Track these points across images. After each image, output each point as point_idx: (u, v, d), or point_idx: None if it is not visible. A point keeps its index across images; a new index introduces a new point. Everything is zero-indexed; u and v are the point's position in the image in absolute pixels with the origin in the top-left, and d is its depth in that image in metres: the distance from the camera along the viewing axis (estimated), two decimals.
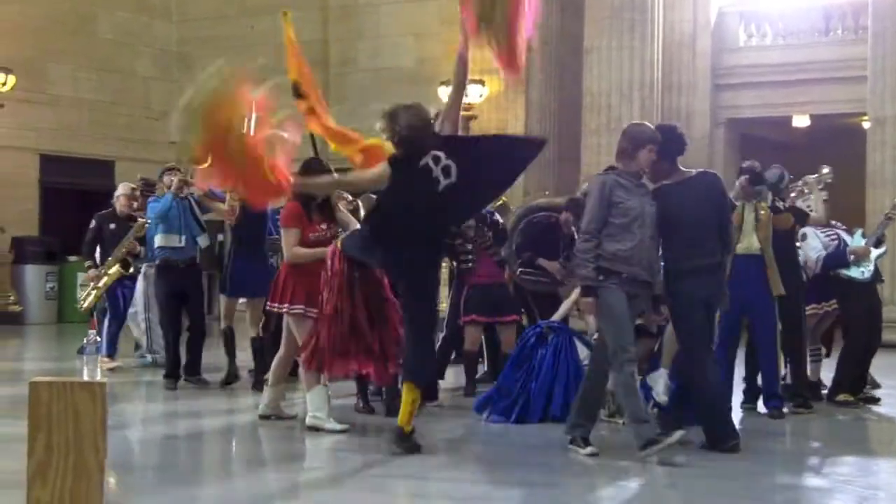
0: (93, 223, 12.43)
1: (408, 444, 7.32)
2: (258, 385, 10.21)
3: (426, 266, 7.55)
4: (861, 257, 10.28)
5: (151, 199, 11.37)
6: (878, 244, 10.52)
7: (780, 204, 9.53)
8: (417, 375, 7.47)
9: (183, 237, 10.85)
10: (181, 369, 10.76)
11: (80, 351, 13.47)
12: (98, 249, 12.59)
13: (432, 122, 7.45)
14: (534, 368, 8.99)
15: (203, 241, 11.08)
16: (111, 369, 11.82)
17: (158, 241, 10.91)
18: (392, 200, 7.42)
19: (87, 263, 12.50)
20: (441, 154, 7.24)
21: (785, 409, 9.37)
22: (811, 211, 10.40)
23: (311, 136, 9.35)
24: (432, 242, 7.63)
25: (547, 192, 12.70)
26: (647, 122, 8.65)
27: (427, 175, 7.23)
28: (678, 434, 7.17)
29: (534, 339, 9.18)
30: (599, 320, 7.50)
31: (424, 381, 7.74)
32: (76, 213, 20.55)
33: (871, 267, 10.36)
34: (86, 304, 12.45)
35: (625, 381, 7.24)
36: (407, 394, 7.39)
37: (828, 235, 10.44)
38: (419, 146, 7.29)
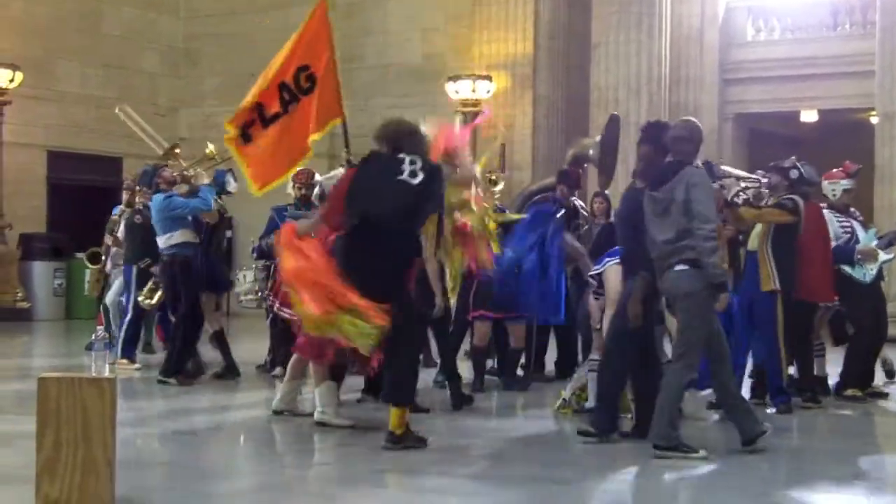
0: (139, 219, 11.79)
1: (404, 443, 7.28)
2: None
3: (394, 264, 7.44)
4: (867, 259, 10.17)
5: (166, 193, 11.07)
6: (888, 246, 10.43)
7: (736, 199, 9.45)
8: (399, 397, 7.40)
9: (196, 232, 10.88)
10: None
11: (89, 347, 13.45)
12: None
13: (421, 133, 7.56)
14: None
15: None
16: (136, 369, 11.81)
17: (180, 237, 10.75)
18: (357, 188, 7.42)
19: (148, 261, 11.68)
20: (417, 158, 7.31)
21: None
22: (834, 196, 10.35)
23: (344, 126, 9.43)
24: (396, 237, 7.42)
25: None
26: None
27: (397, 165, 7.32)
28: (702, 452, 7.15)
29: None
30: (691, 316, 7.23)
31: (409, 400, 7.56)
32: (83, 210, 20.59)
33: (874, 271, 10.24)
34: (155, 300, 12.01)
35: (680, 384, 7.22)
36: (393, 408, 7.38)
37: (842, 225, 10.32)
38: (399, 145, 7.42)
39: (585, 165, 11.53)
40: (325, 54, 9.46)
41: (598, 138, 11.34)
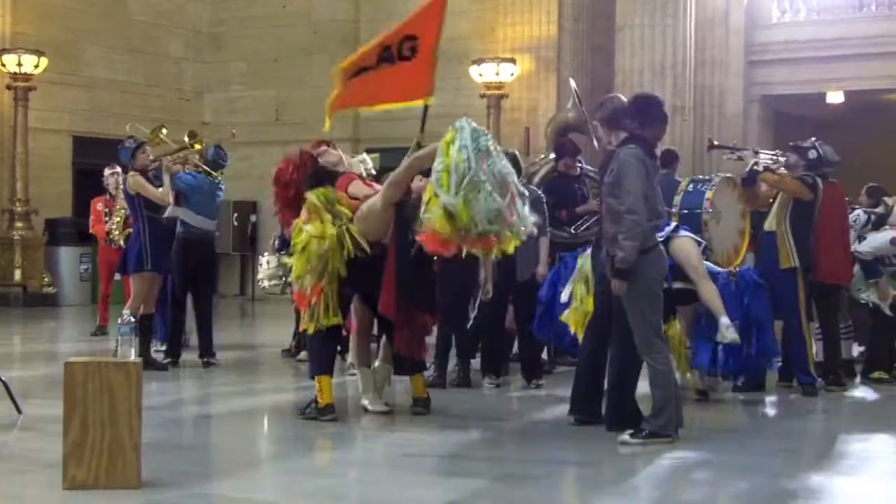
0: None
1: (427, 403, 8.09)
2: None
3: None
4: (880, 293, 10.14)
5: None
6: None
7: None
8: (418, 366, 8.20)
9: None
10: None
11: (94, 333, 13.59)
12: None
13: None
14: None
15: None
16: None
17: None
18: None
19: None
20: None
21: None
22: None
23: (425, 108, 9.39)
24: None
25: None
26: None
27: None
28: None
29: None
30: None
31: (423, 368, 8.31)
32: None
33: (871, 299, 10.19)
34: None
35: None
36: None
37: None
38: None
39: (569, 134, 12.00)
40: (434, 31, 9.32)
41: (569, 105, 12.38)
